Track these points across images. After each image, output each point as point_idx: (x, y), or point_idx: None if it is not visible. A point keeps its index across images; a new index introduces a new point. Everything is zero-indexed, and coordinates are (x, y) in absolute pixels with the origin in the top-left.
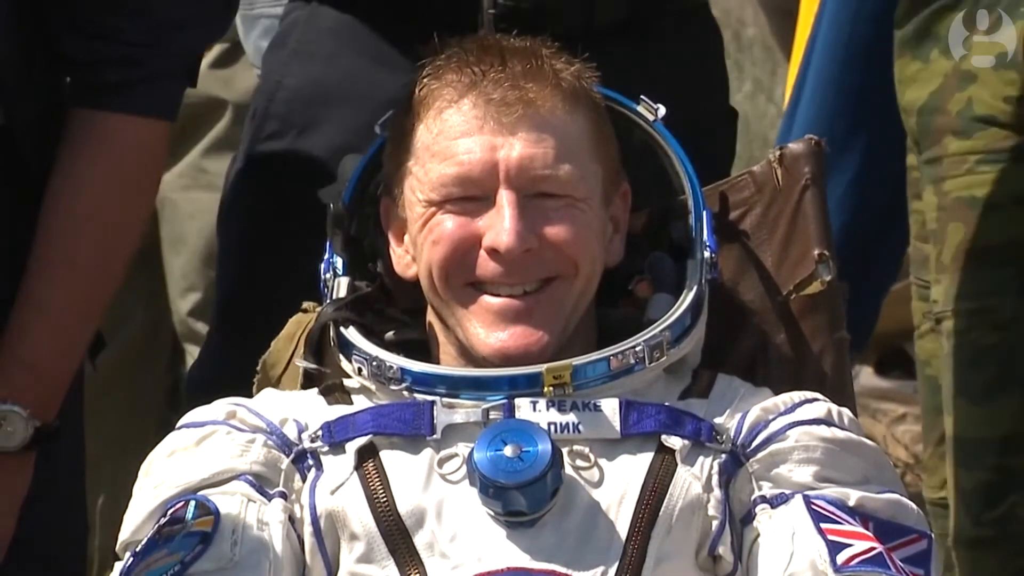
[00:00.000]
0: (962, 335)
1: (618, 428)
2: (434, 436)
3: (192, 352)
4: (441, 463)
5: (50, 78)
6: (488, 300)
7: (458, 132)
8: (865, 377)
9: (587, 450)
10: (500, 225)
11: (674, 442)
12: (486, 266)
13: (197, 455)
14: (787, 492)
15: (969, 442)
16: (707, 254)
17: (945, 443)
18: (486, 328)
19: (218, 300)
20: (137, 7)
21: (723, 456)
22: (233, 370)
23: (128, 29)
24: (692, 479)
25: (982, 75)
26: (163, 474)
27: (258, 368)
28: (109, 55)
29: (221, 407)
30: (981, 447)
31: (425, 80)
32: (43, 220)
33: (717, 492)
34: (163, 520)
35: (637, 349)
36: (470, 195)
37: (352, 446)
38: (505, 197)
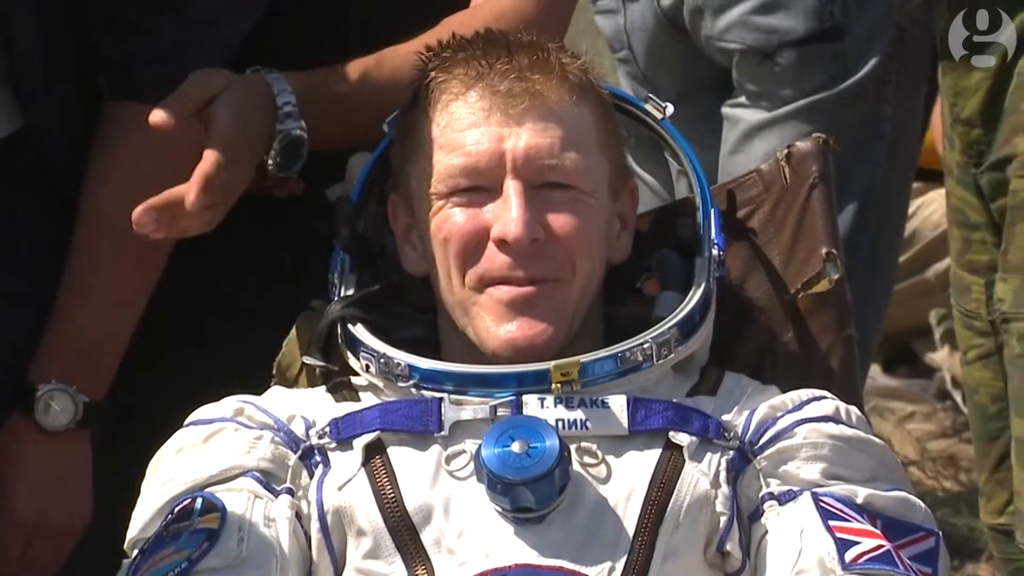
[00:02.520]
0: None
1: (626, 425)
2: (442, 433)
3: None
4: (449, 460)
5: (75, 76)
6: (496, 292)
7: (465, 124)
8: (873, 376)
9: (595, 447)
10: (507, 215)
11: (682, 438)
12: (495, 259)
13: (205, 452)
14: (795, 489)
15: None
16: (715, 252)
17: (1003, 465)
18: (495, 321)
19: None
20: (171, 4)
21: (731, 453)
22: None
23: (163, 27)
24: (700, 475)
25: None
26: (171, 471)
27: (273, 371)
28: (146, 53)
29: (229, 404)
30: None
31: (431, 74)
32: (84, 206)
33: (725, 488)
34: (170, 517)
35: (645, 346)
36: (477, 186)
37: (360, 442)
38: (512, 187)
